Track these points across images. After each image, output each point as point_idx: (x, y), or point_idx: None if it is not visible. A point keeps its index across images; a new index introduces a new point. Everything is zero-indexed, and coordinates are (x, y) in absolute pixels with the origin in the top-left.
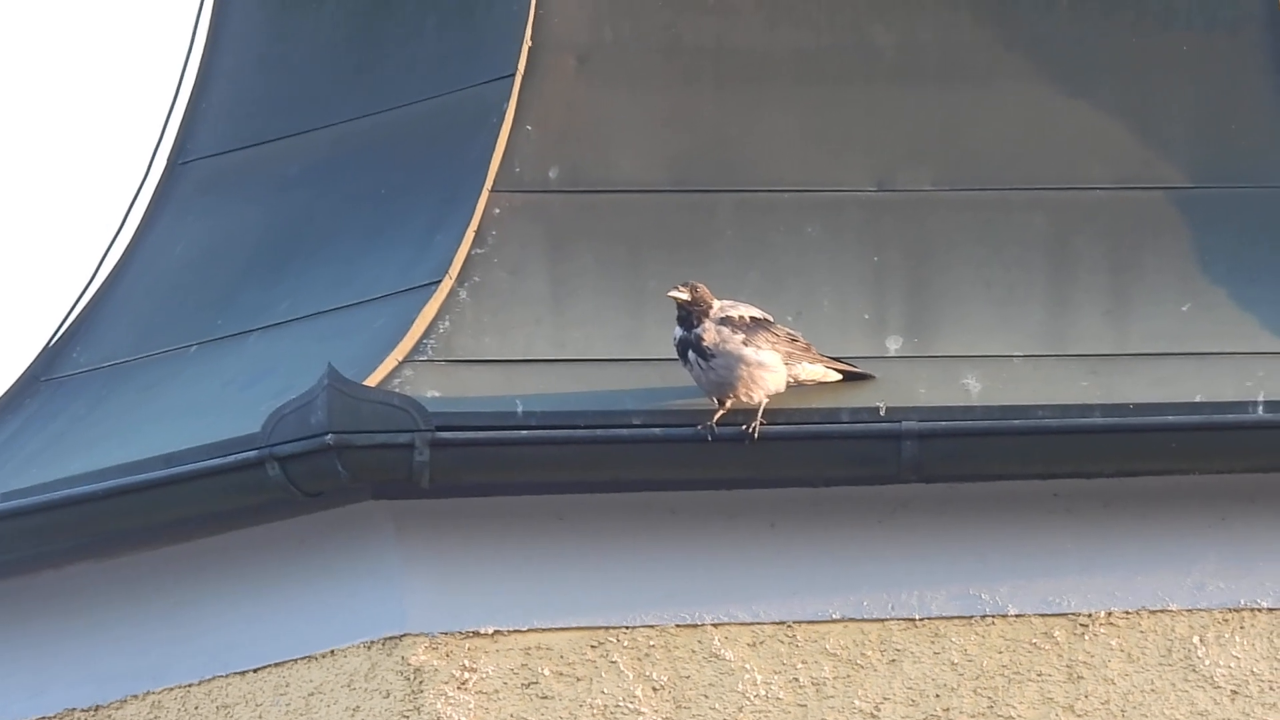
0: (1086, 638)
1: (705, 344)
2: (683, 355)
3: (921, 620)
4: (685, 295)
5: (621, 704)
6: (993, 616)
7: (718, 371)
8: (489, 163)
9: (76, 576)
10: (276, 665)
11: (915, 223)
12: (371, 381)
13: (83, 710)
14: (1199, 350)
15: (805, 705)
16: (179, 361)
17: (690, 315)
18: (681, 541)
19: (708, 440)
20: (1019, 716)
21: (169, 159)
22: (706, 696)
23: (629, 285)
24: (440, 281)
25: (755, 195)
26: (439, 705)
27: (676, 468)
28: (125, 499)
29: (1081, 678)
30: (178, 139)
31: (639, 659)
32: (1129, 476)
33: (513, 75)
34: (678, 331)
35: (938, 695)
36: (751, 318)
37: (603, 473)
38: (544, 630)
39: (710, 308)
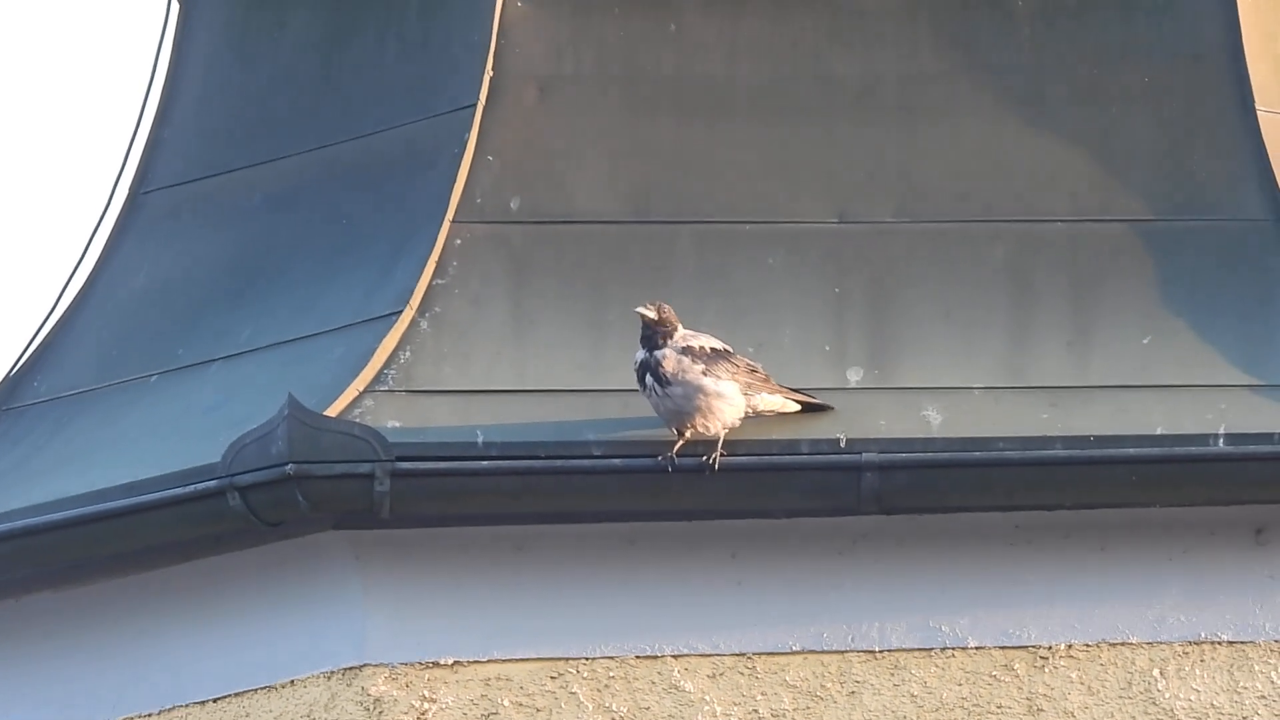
0: (1047, 670)
1: (664, 372)
2: (641, 379)
3: (881, 652)
4: (652, 313)
5: None
6: (953, 649)
7: (675, 400)
8: (450, 193)
9: (36, 605)
10: (237, 695)
11: (876, 254)
12: (332, 411)
13: None
14: (1160, 383)
15: None
16: (140, 390)
17: (655, 336)
18: (642, 572)
19: (668, 471)
20: None
21: (131, 188)
22: None
23: (590, 316)
24: (401, 311)
25: (716, 226)
26: None
27: (637, 498)
28: (86, 528)
29: (1042, 710)
30: (139, 168)
31: (599, 690)
32: (1089, 509)
33: (474, 106)
34: (639, 353)
35: None
36: (712, 348)
37: (563, 503)
38: (504, 661)
39: (675, 330)
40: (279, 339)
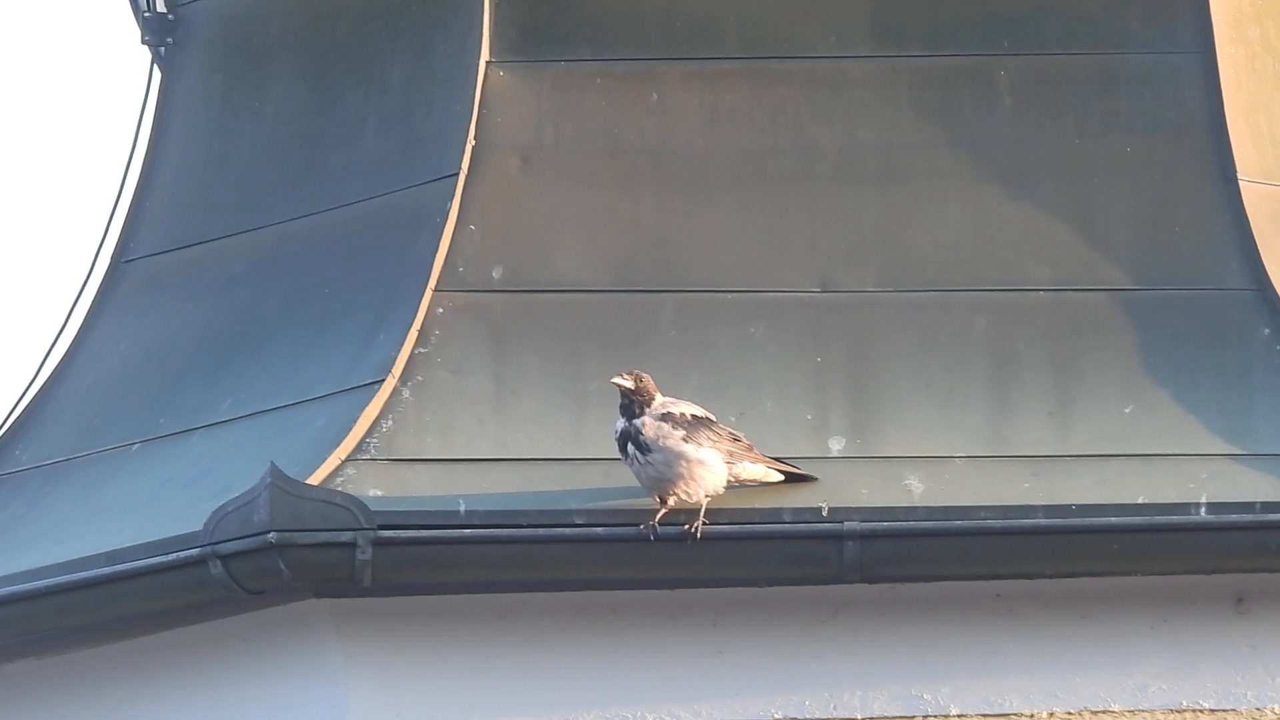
0: None
1: (644, 438)
2: (622, 448)
3: None
4: (629, 383)
5: None
6: (935, 717)
7: (656, 467)
8: (432, 262)
9: (17, 674)
10: None
11: (857, 324)
12: (314, 480)
13: None
14: (1141, 452)
15: None
16: (122, 459)
17: (633, 405)
18: (623, 641)
19: (650, 540)
20: None
21: (112, 257)
22: None
23: (571, 385)
24: (383, 380)
25: (697, 296)
26: None
27: (619, 567)
28: (67, 596)
29: None
30: (121, 237)
31: None
32: (1071, 577)
33: (456, 175)
34: (619, 423)
35: None
36: (693, 415)
37: (545, 572)
38: None
39: (653, 399)
40: (261, 408)
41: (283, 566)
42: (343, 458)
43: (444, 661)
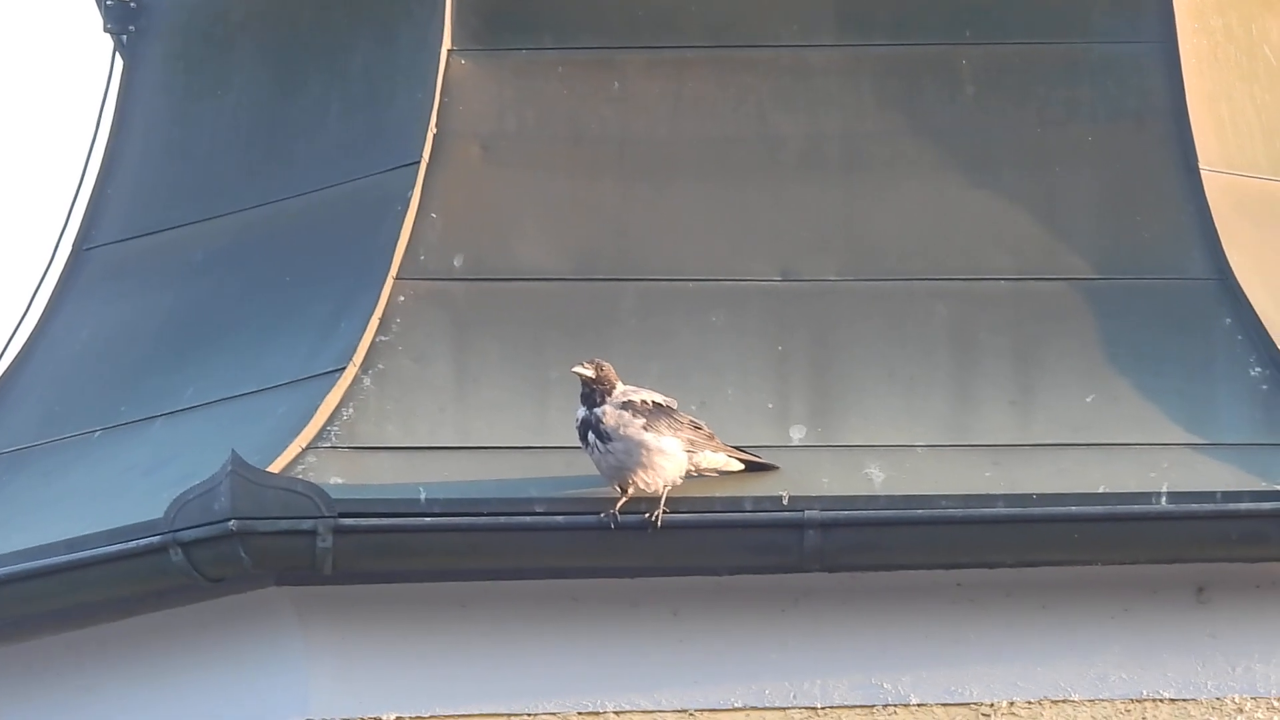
0: None
1: (605, 426)
2: (583, 437)
3: (824, 709)
4: (590, 372)
5: None
6: (895, 705)
7: (616, 455)
8: (394, 250)
9: None
10: None
11: (819, 312)
12: (275, 468)
13: None
14: (1102, 441)
15: None
16: (83, 447)
17: (594, 394)
18: (584, 629)
19: (610, 528)
20: None
21: (74, 245)
22: None
23: (533, 373)
24: (344, 369)
25: (659, 284)
26: None
27: (579, 556)
28: (28, 584)
29: None
30: (82, 225)
31: None
32: (1032, 567)
33: (417, 163)
34: (580, 411)
35: None
36: (654, 403)
37: (506, 560)
38: (446, 716)
39: (614, 388)
40: (222, 396)
41: (243, 554)
42: (304, 446)
43: (405, 649)
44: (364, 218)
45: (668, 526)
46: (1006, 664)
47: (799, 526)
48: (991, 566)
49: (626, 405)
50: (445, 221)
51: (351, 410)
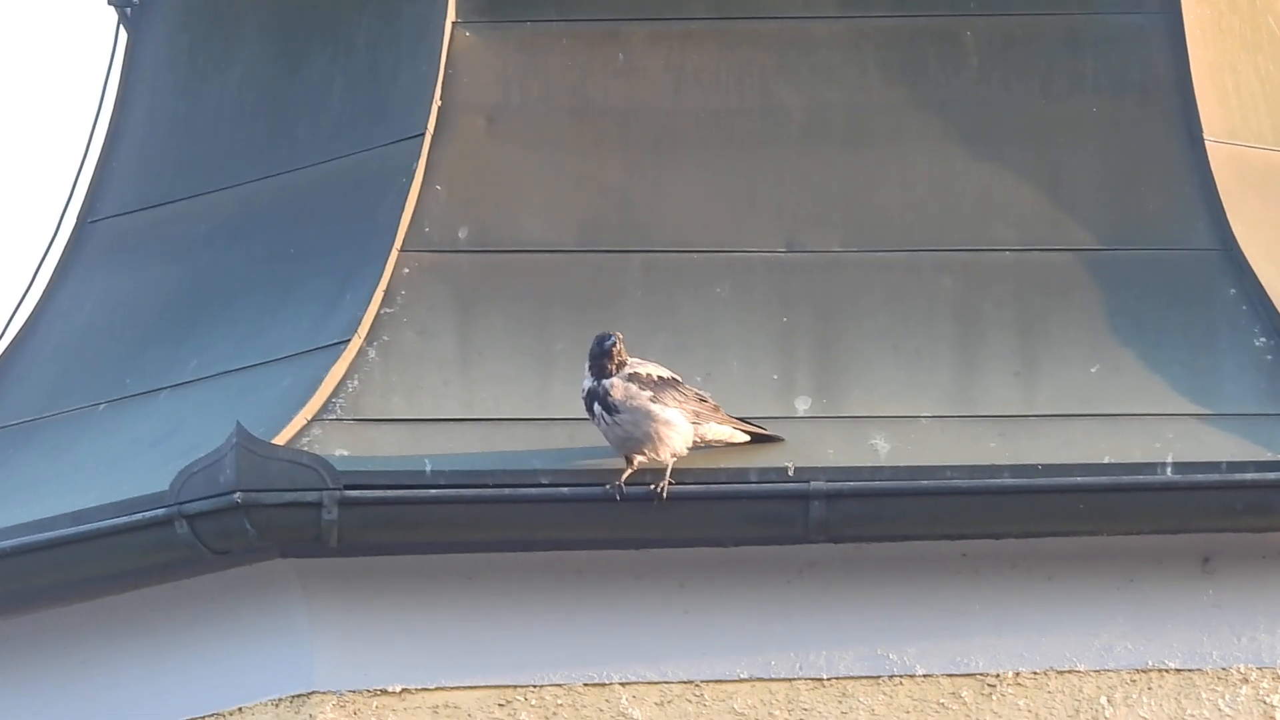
0: (994, 698)
1: (613, 399)
2: (589, 408)
3: (829, 680)
4: (620, 345)
5: None
6: (900, 676)
7: (624, 427)
8: (398, 222)
9: None
10: None
11: (824, 284)
12: (280, 440)
13: None
14: (1107, 411)
15: None
16: (88, 420)
17: (602, 366)
18: (590, 600)
19: (616, 500)
20: None
21: (78, 218)
22: None
23: (538, 345)
24: (349, 341)
25: (664, 256)
26: None
27: (585, 527)
28: (33, 556)
29: None
30: (87, 198)
31: (546, 717)
32: (1037, 537)
33: (422, 135)
34: (586, 382)
35: None
36: (660, 376)
37: (511, 532)
38: (451, 689)
39: (624, 362)
40: (227, 368)
41: (248, 526)
42: (309, 418)
43: (410, 621)
44: (369, 190)
45: (673, 498)
46: (1012, 635)
47: (804, 498)
48: (997, 537)
49: (633, 377)
50: (450, 194)
51: (357, 382)
